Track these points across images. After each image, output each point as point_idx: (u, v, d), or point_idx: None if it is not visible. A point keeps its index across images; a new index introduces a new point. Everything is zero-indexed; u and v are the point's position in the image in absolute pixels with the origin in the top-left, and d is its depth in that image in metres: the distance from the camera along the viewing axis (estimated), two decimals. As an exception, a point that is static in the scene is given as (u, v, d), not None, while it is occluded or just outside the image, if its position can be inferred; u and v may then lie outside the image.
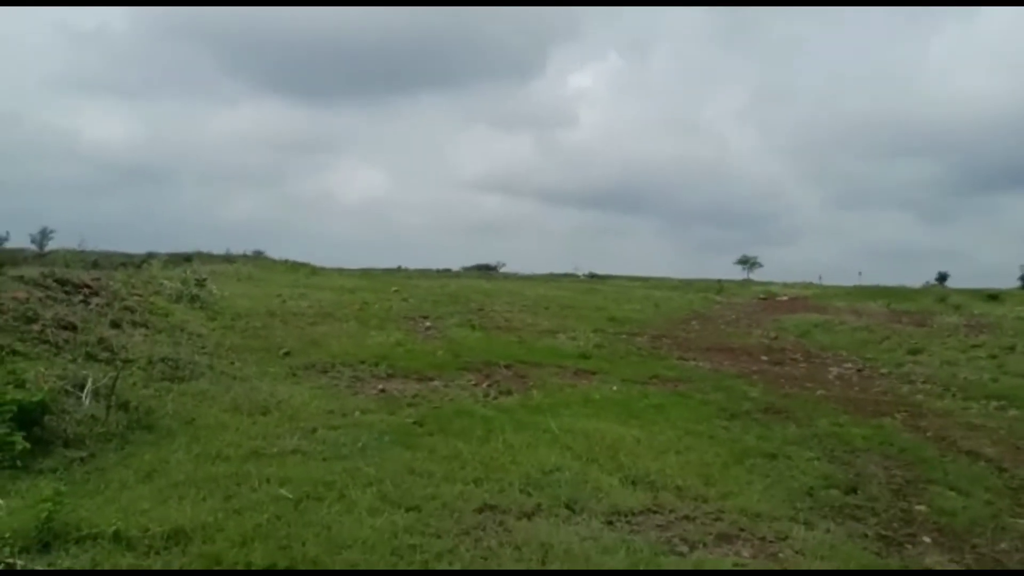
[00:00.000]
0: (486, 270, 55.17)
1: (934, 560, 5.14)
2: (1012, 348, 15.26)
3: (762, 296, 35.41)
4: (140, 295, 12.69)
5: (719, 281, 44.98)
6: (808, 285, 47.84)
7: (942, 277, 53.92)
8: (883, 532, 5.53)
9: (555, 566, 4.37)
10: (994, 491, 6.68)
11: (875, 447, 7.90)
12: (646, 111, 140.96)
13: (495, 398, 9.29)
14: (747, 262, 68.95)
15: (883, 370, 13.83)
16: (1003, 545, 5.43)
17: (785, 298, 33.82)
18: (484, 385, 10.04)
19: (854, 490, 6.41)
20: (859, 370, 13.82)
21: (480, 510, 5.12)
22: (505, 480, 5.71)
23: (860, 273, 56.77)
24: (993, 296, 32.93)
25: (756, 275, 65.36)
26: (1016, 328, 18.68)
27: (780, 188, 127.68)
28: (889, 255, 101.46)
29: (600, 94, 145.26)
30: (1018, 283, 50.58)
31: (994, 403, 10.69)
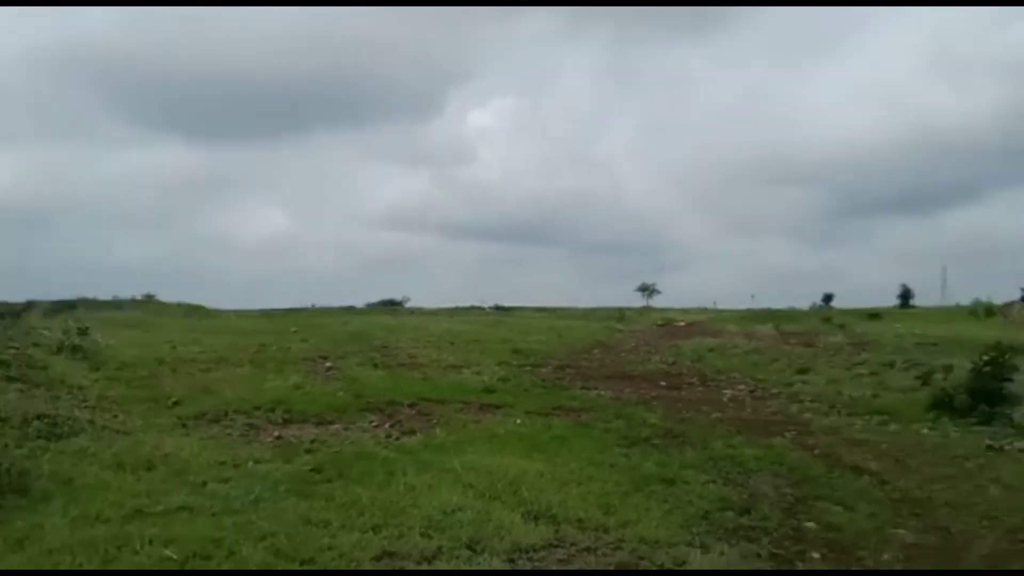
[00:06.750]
0: (391, 305, 54.50)
1: None
2: (891, 364, 16.19)
3: (660, 323, 36.56)
4: (16, 348, 11.95)
5: (620, 309, 46.05)
6: (704, 310, 49.83)
7: (828, 298, 56.72)
8: (775, 551, 5.69)
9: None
10: (877, 503, 7.01)
11: (767, 467, 8.16)
12: (543, 147, 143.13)
13: (397, 439, 9.08)
14: (646, 289, 70.54)
15: (773, 390, 14.42)
16: (886, 556, 5.68)
17: (683, 323, 35.02)
18: (386, 426, 9.85)
19: (747, 511, 6.56)
20: (751, 391, 14.36)
21: (378, 558, 4.98)
22: (405, 524, 5.56)
23: (752, 296, 59.19)
24: (874, 315, 35.21)
25: (655, 301, 67.17)
26: (895, 345, 19.90)
27: (673, 217, 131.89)
28: (778, 278, 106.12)
29: (498, 131, 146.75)
30: (897, 301, 53.84)
31: (876, 418, 11.30)
